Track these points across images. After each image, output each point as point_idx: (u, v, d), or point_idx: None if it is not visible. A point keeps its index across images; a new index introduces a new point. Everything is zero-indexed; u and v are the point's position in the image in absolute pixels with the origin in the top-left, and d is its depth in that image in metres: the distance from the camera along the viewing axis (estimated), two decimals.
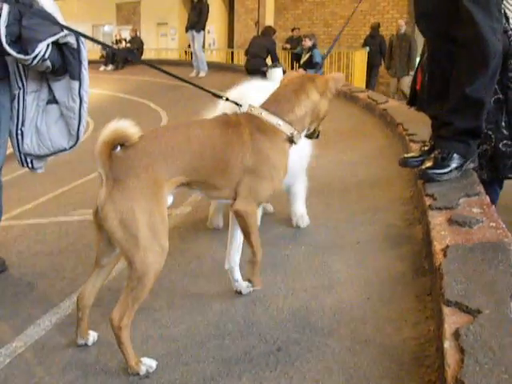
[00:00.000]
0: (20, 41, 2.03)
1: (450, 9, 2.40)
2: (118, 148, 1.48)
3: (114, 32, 17.59)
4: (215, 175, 1.63)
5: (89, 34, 19.42)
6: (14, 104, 2.26)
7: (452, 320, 1.38)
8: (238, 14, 16.61)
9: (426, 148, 2.72)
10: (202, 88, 1.97)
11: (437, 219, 2.07)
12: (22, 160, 2.36)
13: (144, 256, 1.43)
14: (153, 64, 2.16)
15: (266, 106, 1.71)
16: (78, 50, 2.16)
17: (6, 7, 2.00)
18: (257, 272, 1.80)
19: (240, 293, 1.90)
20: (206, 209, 2.91)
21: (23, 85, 2.25)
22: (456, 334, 1.30)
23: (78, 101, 2.25)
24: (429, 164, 2.52)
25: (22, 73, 2.24)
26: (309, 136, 1.87)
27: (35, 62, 2.06)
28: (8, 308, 2.02)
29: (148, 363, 1.51)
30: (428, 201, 2.28)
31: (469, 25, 2.34)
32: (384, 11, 13.56)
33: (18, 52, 2.02)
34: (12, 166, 4.20)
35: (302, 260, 2.13)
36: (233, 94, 2.15)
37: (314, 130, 1.85)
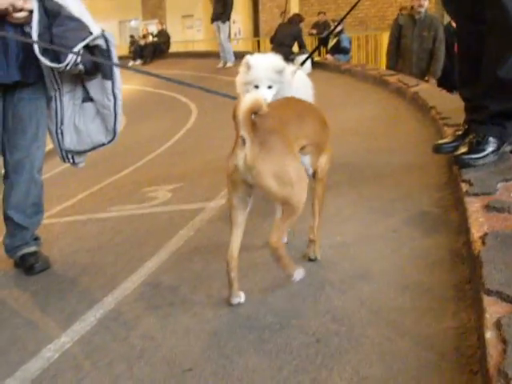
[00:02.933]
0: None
1: None
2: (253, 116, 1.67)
3: (141, 27, 17.73)
4: (321, 139, 1.97)
5: (115, 29, 19.70)
6: (52, 105, 2.36)
7: (493, 310, 1.36)
8: (263, 3, 16.51)
9: (460, 133, 2.68)
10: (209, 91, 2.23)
11: (474, 205, 2.04)
12: (63, 156, 2.48)
13: (299, 197, 1.71)
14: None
15: None
16: (108, 51, 2.22)
17: (36, 17, 2.07)
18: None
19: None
20: None
21: (59, 87, 2.34)
22: (498, 324, 1.29)
23: (112, 99, 2.34)
24: (464, 149, 2.49)
25: (57, 75, 2.32)
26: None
27: (68, 67, 2.13)
28: (54, 304, 2.09)
29: (300, 271, 1.80)
30: (464, 187, 2.24)
31: (495, 5, 2.29)
32: None
33: (51, 61, 2.10)
34: (50, 164, 4.33)
35: (337, 250, 2.13)
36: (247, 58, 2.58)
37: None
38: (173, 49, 15.55)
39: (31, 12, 2.10)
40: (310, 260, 2.07)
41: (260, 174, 1.64)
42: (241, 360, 1.54)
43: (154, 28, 16.47)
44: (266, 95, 1.70)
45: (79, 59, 2.14)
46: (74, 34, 2.14)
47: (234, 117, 1.62)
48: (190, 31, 18.91)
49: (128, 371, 1.58)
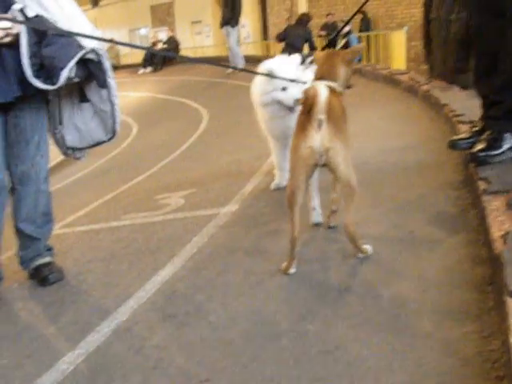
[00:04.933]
0: (43, 69, 2.12)
1: None
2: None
3: (150, 34, 17.83)
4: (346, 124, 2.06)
5: (126, 38, 19.86)
6: (50, 107, 2.41)
7: None
8: (271, 6, 16.49)
9: (476, 129, 2.62)
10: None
11: (493, 204, 1.99)
12: (64, 152, 2.52)
13: (354, 176, 1.94)
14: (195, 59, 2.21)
15: (320, 77, 2.10)
16: (100, 63, 2.24)
17: (24, 39, 2.07)
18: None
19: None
20: (254, 205, 2.92)
21: (58, 92, 2.37)
22: None
23: (109, 105, 2.37)
24: (480, 146, 2.43)
25: None
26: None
27: (62, 85, 2.15)
28: (68, 316, 2.08)
29: (368, 247, 2.05)
30: (482, 185, 2.19)
31: None
32: None
33: (44, 82, 2.12)
34: (63, 174, 4.34)
35: (355, 253, 2.09)
36: (268, 65, 2.72)
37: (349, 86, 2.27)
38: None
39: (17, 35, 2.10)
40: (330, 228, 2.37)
41: (336, 153, 1.87)
42: (258, 369, 1.50)
43: (163, 35, 16.54)
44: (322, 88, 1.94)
45: (73, 74, 2.15)
46: (64, 53, 2.13)
47: (311, 102, 1.83)
48: (199, 37, 18.96)
49: (144, 383, 1.55)
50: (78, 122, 2.43)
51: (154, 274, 2.25)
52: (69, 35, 2.13)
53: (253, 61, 11.73)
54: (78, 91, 2.40)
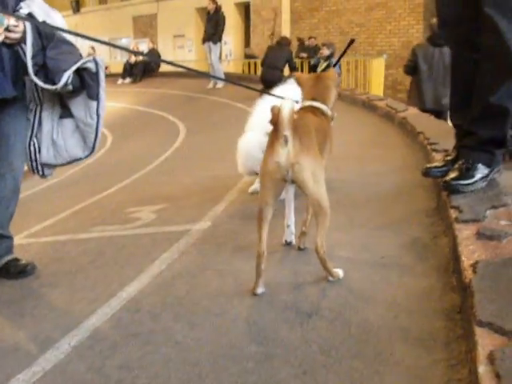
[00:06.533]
0: (43, 69, 2.18)
1: (473, 16, 2.34)
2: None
3: (132, 45, 17.78)
4: (323, 145, 2.13)
5: (106, 48, 19.78)
6: (30, 116, 2.40)
7: (485, 342, 1.31)
8: (254, 25, 16.67)
9: (450, 158, 2.66)
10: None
11: (464, 233, 2.01)
12: (33, 168, 2.50)
13: (326, 196, 1.93)
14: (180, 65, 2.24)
15: (312, 98, 2.20)
16: (97, 73, 2.28)
17: (30, 37, 2.12)
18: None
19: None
20: (227, 223, 2.88)
21: (40, 102, 2.38)
22: (491, 358, 1.24)
23: (95, 118, 2.37)
24: (453, 175, 2.46)
25: (40, 91, 2.36)
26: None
27: (59, 88, 2.20)
28: (27, 330, 1.99)
29: (339, 271, 2.03)
30: (454, 213, 2.21)
31: (491, 32, 2.28)
32: (400, 18, 13.47)
33: (45, 82, 2.17)
34: (32, 181, 4.23)
35: (325, 276, 2.07)
36: (278, 91, 2.79)
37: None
38: (163, 68, 15.57)
39: (24, 32, 2.15)
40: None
41: (302, 169, 1.87)
42: None
43: (144, 47, 16.50)
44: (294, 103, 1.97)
45: (70, 80, 2.21)
46: (68, 57, 2.23)
47: (276, 119, 1.85)
48: (180, 51, 18.98)
49: None
50: (57, 138, 2.42)
51: (120, 290, 2.19)
52: (81, 37, 2.21)
53: (234, 78, 11.79)
54: (59, 106, 2.41)
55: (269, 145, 1.93)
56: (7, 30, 2.08)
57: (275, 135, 1.89)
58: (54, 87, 2.19)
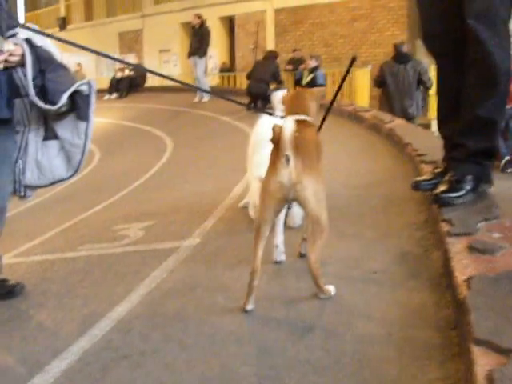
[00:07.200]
0: (41, 91, 2.22)
1: (457, 28, 2.36)
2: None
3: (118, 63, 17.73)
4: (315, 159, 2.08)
5: (92, 62, 19.72)
6: (17, 138, 2.40)
7: (483, 361, 1.29)
8: (239, 38, 16.74)
9: (439, 170, 2.66)
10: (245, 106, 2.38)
11: (456, 246, 2.00)
12: (15, 189, 2.46)
13: (326, 214, 1.94)
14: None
15: (294, 113, 2.12)
16: (89, 96, 2.32)
17: (29, 60, 2.17)
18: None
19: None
20: (217, 239, 2.86)
21: (29, 123, 2.41)
22: (489, 378, 1.22)
23: (83, 138, 2.39)
24: (443, 188, 2.46)
25: (29, 113, 2.40)
26: None
27: (56, 109, 2.24)
28: (16, 354, 1.95)
29: (331, 288, 2.01)
30: (445, 227, 2.21)
31: (475, 44, 2.30)
32: (384, 29, 13.61)
33: (45, 103, 2.22)
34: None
35: (317, 293, 2.05)
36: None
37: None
38: (149, 83, 15.56)
39: (23, 56, 2.20)
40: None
41: (304, 188, 1.88)
42: None
43: (131, 62, 16.47)
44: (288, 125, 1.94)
45: (64, 101, 2.25)
46: (65, 80, 2.30)
47: (277, 138, 1.86)
48: (166, 66, 18.98)
49: None
50: (42, 159, 2.42)
51: (109, 310, 2.14)
52: (90, 51, 2.38)
53: (219, 92, 11.81)
54: (43, 128, 2.42)
55: (270, 164, 1.94)
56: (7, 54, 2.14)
57: (277, 154, 1.90)
58: (54, 107, 2.23)
